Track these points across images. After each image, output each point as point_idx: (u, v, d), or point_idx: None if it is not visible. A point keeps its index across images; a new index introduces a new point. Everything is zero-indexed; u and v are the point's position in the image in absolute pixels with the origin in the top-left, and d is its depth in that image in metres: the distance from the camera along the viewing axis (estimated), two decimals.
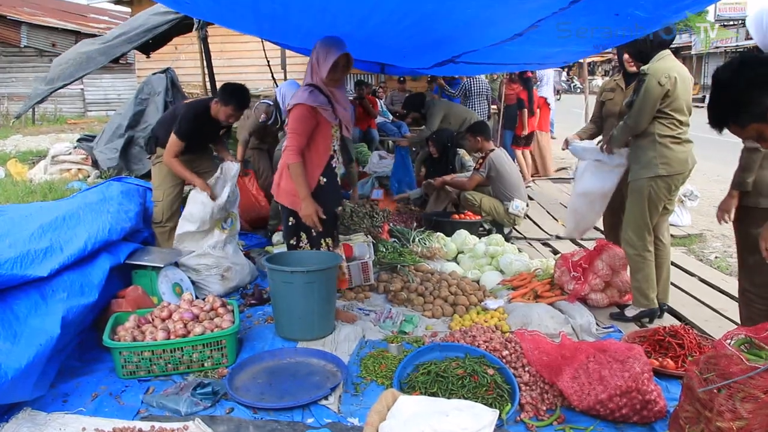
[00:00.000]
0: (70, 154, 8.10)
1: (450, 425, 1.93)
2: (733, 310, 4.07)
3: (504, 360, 3.22)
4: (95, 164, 7.69)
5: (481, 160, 6.06)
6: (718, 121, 2.15)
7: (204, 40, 6.35)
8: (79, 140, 8.49)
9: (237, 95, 4.36)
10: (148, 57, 7.90)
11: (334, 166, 3.82)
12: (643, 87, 3.75)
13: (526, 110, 9.19)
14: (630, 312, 4.09)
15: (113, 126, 6.88)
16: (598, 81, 38.48)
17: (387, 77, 14.77)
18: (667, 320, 4.08)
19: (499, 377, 3.04)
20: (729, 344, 1.96)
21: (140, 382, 3.18)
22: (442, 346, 3.33)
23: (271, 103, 6.09)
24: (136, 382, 3.18)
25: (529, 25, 3.32)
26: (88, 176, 8.06)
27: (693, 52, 32.45)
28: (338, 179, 3.96)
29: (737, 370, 1.87)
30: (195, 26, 6.31)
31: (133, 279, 3.99)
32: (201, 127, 4.42)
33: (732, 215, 3.28)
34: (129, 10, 15.31)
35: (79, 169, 8.05)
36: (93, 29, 22.54)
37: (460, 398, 2.78)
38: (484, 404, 2.66)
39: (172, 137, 4.33)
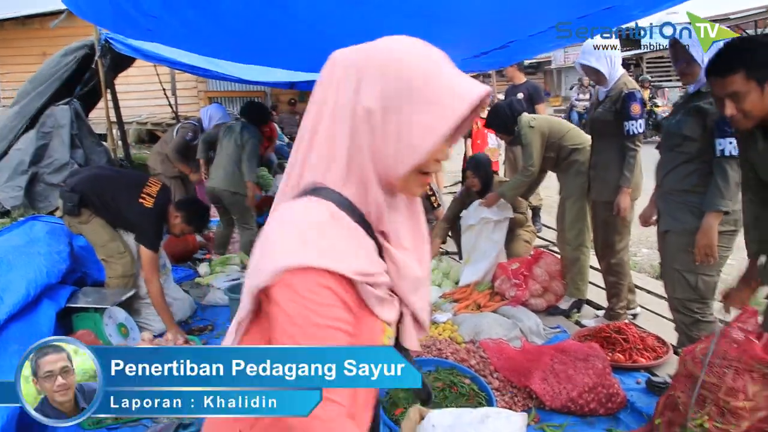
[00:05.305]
0: None
1: (489, 431, 2.03)
2: (656, 303, 4.51)
3: (473, 369, 3.36)
4: None
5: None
6: (728, 64, 2.20)
7: (108, 69, 6.11)
8: None
9: (202, 219, 4.34)
10: None
11: None
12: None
13: None
14: (563, 305, 4.48)
15: (13, 162, 6.39)
16: None
17: (275, 99, 14.76)
18: None
19: (475, 386, 3.18)
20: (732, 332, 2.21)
21: (109, 430, 3.03)
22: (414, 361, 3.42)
23: (197, 123, 6.05)
24: (104, 431, 3.02)
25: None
26: None
27: (553, 66, 34.65)
28: None
29: (735, 352, 2.12)
30: (98, 54, 6.06)
31: (75, 323, 3.77)
32: (163, 227, 4.17)
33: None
34: None
35: None
36: None
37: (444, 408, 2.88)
38: None
39: (148, 254, 3.92)
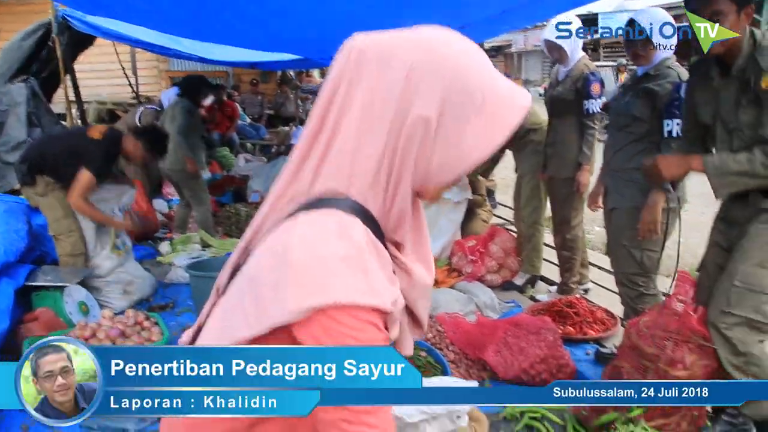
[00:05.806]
0: None
1: None
2: (606, 279, 4.65)
3: (429, 342, 3.47)
4: None
5: None
6: None
7: (66, 47, 6.02)
8: None
9: (162, 143, 4.37)
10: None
11: None
12: None
13: None
14: (518, 281, 4.65)
15: None
16: None
17: (237, 79, 14.59)
18: None
19: (431, 358, 3.29)
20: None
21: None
22: None
23: (159, 108, 5.98)
24: None
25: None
26: None
27: (513, 49, 34.81)
28: None
29: (675, 324, 2.26)
30: (54, 31, 5.96)
31: (34, 302, 3.76)
32: (114, 161, 4.18)
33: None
34: None
35: None
36: None
37: None
38: None
39: (86, 174, 3.88)
